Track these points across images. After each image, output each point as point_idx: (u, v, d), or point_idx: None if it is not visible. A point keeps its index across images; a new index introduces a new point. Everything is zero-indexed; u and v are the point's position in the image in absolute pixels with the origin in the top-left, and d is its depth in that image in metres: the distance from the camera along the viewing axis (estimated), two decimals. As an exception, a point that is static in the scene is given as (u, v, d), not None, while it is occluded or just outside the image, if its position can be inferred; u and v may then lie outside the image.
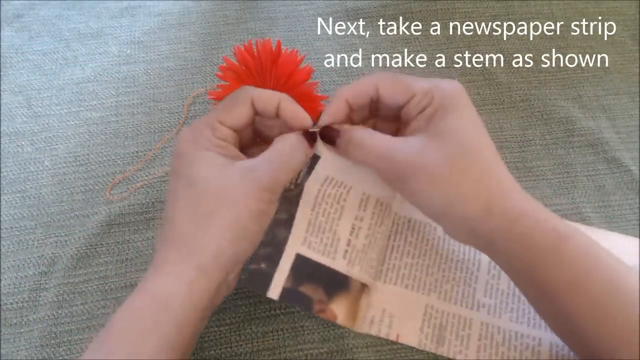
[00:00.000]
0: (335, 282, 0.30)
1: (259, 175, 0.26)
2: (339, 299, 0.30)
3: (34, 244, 0.37)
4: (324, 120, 0.30)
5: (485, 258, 0.33)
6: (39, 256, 0.36)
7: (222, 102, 0.29)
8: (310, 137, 0.29)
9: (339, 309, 0.30)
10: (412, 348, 0.33)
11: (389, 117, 0.32)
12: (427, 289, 0.33)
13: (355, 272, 0.31)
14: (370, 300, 0.32)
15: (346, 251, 0.31)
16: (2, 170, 0.40)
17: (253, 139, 0.32)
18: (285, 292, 0.29)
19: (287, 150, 0.28)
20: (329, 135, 0.30)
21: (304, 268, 0.30)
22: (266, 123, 0.31)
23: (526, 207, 0.27)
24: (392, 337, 0.32)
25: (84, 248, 0.37)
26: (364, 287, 0.32)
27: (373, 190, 0.32)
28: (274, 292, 0.29)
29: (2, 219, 0.38)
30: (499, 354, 0.31)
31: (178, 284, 0.25)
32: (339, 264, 0.31)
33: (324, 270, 0.30)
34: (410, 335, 0.32)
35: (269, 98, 0.29)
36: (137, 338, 0.24)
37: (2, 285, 0.35)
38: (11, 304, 0.35)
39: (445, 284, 0.33)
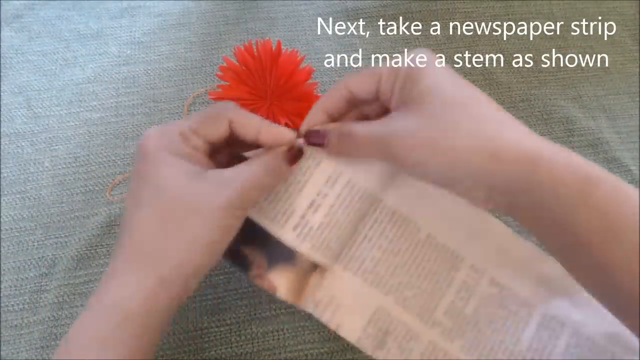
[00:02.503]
0: (278, 252, 0.29)
1: (231, 192, 0.26)
2: (280, 271, 0.29)
3: (34, 245, 0.37)
4: (303, 127, 0.30)
5: (460, 276, 0.31)
6: (39, 257, 0.36)
7: (199, 112, 0.28)
8: (292, 156, 0.29)
9: (279, 281, 0.29)
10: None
11: (371, 109, 0.31)
12: (386, 289, 0.30)
13: (305, 248, 0.29)
14: (322, 282, 0.30)
15: (297, 225, 0.29)
16: (2, 171, 0.40)
17: (225, 148, 0.31)
18: (227, 250, 0.28)
19: (265, 168, 0.27)
20: (316, 139, 0.29)
21: (250, 231, 0.29)
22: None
23: (542, 151, 0.24)
24: (332, 326, 0.29)
25: (84, 249, 0.37)
26: (315, 266, 0.30)
27: (345, 168, 0.31)
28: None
29: (2, 220, 0.38)
30: None
31: (136, 294, 0.24)
32: (286, 236, 0.29)
33: (268, 237, 0.29)
34: (350, 330, 0.30)
35: (249, 124, 0.28)
36: (95, 353, 0.23)
37: (2, 287, 0.35)
38: (12, 305, 0.35)
39: (407, 290, 0.30)
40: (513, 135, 0.24)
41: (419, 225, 0.32)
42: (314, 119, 0.30)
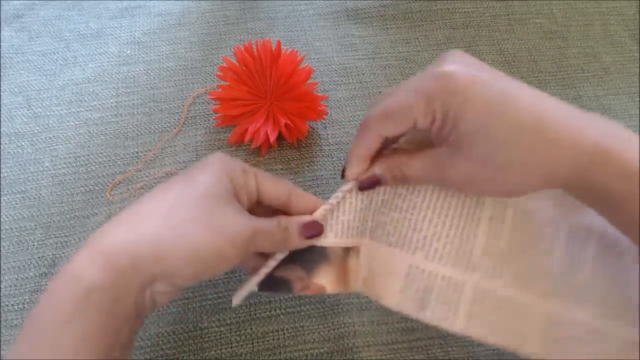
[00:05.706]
0: (311, 256, 0.30)
1: (245, 228, 0.26)
2: (321, 271, 0.30)
3: (34, 245, 0.37)
4: (350, 178, 0.30)
5: (486, 213, 0.30)
6: (39, 257, 0.36)
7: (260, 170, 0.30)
8: (309, 230, 0.29)
9: (325, 280, 0.29)
10: (412, 347, 0.33)
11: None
12: (412, 247, 0.29)
13: (331, 240, 0.30)
14: (360, 259, 0.30)
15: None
16: (2, 171, 0.40)
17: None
18: (263, 283, 0.29)
19: (278, 224, 0.28)
20: (372, 185, 0.30)
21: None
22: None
23: (594, 151, 0.24)
24: (373, 297, 0.29)
25: (84, 249, 0.37)
26: (347, 250, 0.30)
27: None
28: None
29: (2, 219, 0.38)
30: (487, 323, 0.28)
31: (103, 268, 0.24)
32: None
33: (297, 251, 0.30)
34: (389, 296, 0.29)
35: (278, 187, 0.29)
36: (58, 327, 0.22)
37: (2, 286, 0.35)
38: (12, 305, 0.35)
39: (436, 241, 0.29)
40: (562, 143, 0.25)
41: None
42: (358, 169, 0.30)
